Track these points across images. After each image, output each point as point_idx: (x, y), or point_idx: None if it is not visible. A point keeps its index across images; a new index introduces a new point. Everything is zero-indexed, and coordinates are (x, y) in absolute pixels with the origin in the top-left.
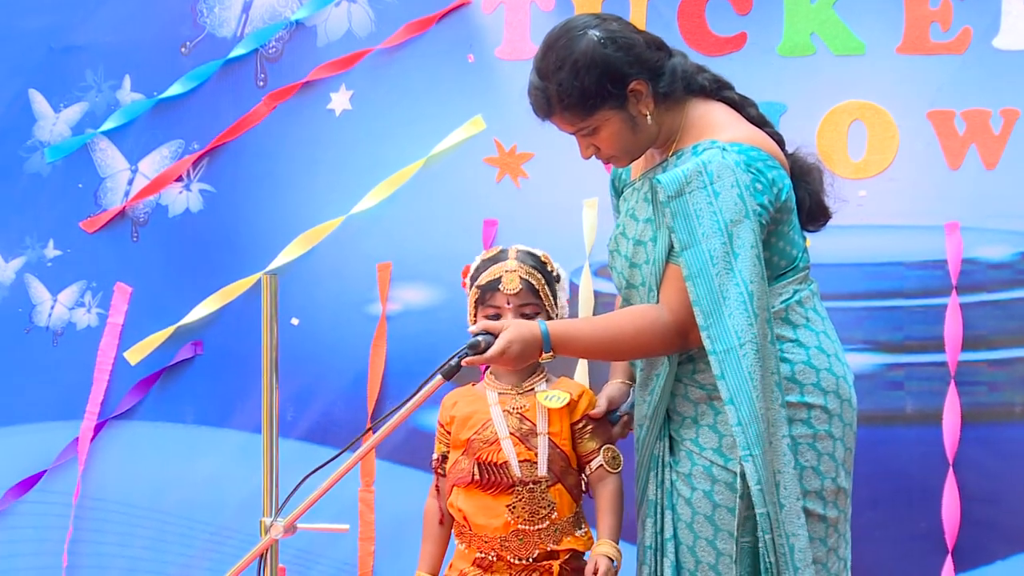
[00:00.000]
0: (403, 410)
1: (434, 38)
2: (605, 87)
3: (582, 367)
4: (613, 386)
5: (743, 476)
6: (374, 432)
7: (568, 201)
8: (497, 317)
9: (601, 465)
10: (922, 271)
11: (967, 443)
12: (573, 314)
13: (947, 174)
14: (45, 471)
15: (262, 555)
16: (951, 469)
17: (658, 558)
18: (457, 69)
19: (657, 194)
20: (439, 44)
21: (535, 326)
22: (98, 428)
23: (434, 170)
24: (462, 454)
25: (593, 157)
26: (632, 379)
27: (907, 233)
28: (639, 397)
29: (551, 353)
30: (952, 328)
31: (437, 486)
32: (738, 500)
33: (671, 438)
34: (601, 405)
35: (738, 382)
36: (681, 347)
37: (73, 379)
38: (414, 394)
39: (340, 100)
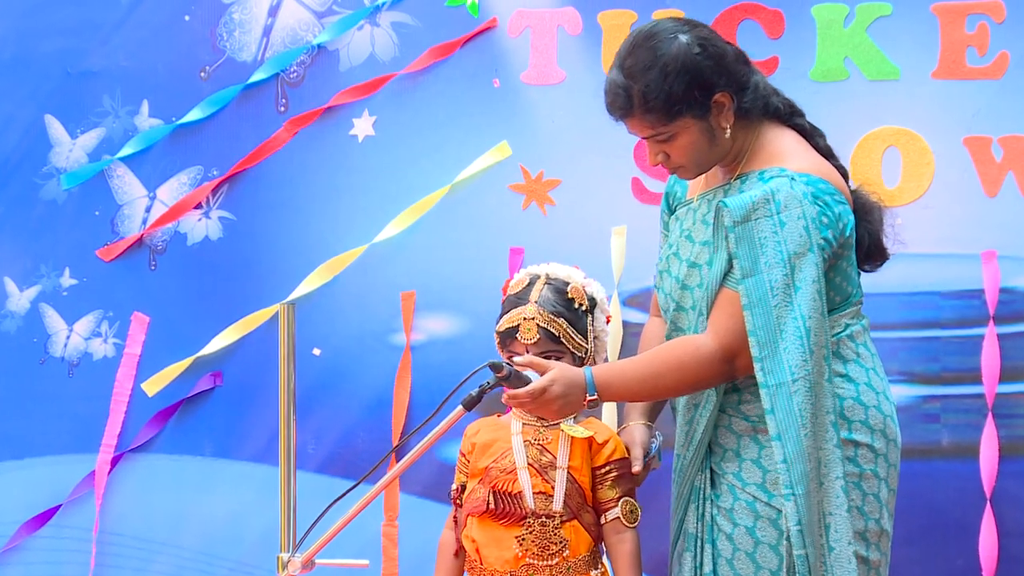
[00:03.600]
0: (430, 435)
1: (459, 62)
2: (692, 94)
3: (609, 408)
4: (637, 430)
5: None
6: (397, 458)
7: (596, 228)
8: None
9: (618, 518)
10: (958, 300)
11: (1005, 477)
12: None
13: (984, 201)
14: (60, 505)
15: None
16: (988, 504)
17: None
18: (482, 94)
19: (722, 218)
20: (464, 69)
21: (580, 371)
22: (115, 461)
23: (459, 197)
24: (479, 482)
25: (660, 165)
26: (652, 419)
27: (943, 262)
28: (681, 428)
29: (595, 397)
30: (989, 359)
31: (455, 516)
32: (784, 540)
33: (712, 471)
34: (637, 456)
35: (787, 418)
36: (727, 376)
37: (89, 411)
38: (434, 414)
39: (363, 126)
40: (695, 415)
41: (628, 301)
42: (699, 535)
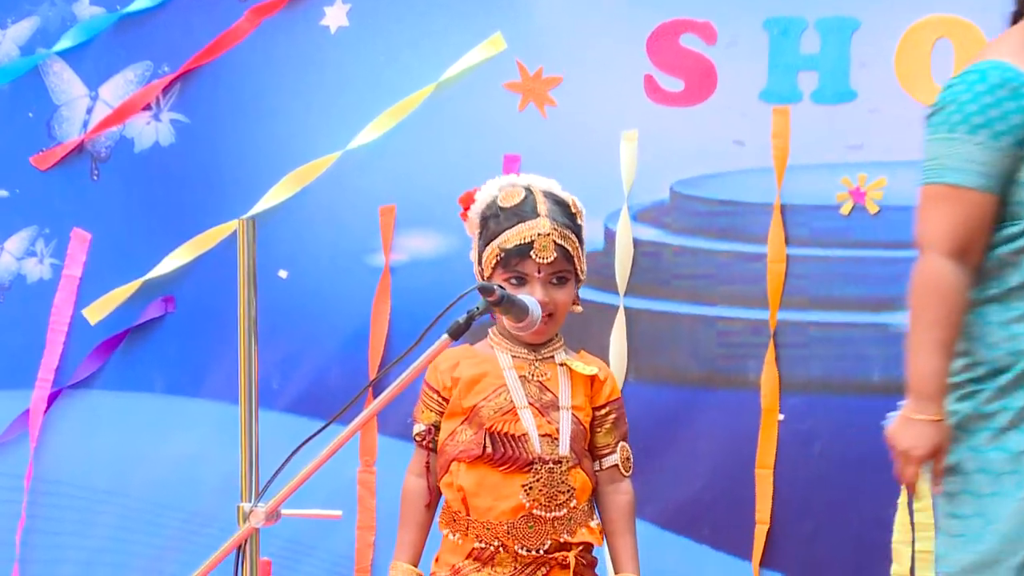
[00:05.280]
0: (412, 368)
1: None
2: None
3: (619, 330)
4: None
5: None
6: (375, 395)
7: (603, 133)
8: (522, 283)
9: (616, 465)
10: None
11: None
12: (609, 263)
13: None
14: None
15: (241, 546)
16: None
17: None
18: None
19: None
20: None
21: None
22: (52, 398)
23: (446, 97)
24: (463, 423)
25: None
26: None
27: None
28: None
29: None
30: None
31: (428, 463)
32: None
33: None
34: None
35: None
36: None
37: (23, 341)
38: (416, 344)
39: (336, 15)
40: None
41: (640, 216)
42: None
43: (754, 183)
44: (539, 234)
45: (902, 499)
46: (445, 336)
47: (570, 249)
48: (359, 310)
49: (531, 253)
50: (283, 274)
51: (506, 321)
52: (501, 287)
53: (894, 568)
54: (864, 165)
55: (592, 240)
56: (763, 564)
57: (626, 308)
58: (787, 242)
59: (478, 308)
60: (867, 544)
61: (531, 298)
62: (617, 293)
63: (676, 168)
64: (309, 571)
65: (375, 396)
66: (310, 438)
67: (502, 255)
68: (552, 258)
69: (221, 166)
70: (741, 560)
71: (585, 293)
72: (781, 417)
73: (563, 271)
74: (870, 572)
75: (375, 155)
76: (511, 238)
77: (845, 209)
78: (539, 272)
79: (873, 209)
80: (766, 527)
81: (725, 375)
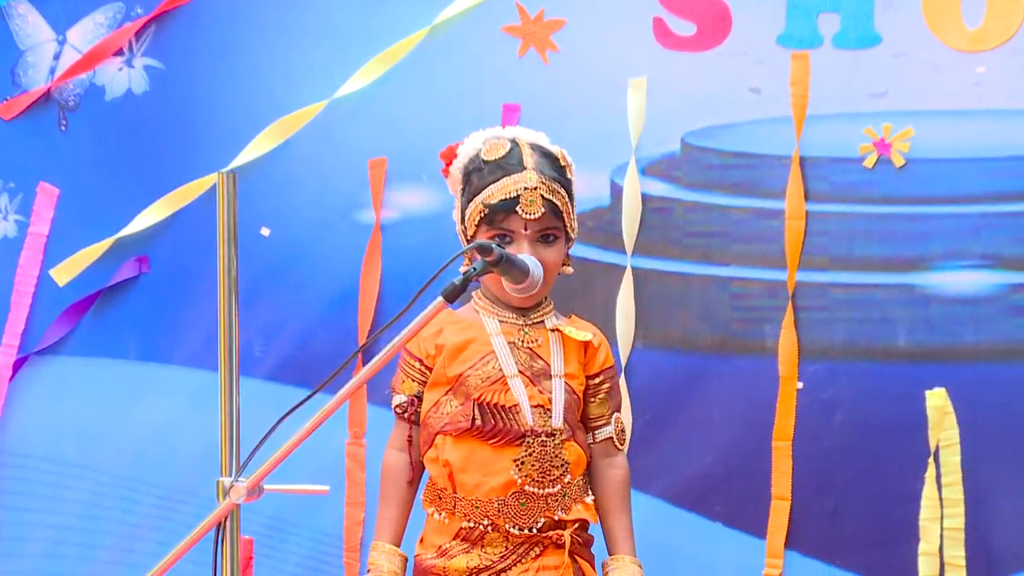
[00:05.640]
0: (404, 332)
1: None
2: None
3: (626, 292)
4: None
5: None
6: (364, 362)
7: (609, 81)
8: (507, 241)
9: (610, 438)
10: None
11: None
12: (616, 220)
13: None
14: None
15: (220, 524)
16: None
17: None
18: None
19: None
20: None
21: None
22: (17, 365)
23: (440, 42)
24: (448, 394)
25: None
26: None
27: None
28: None
29: None
30: None
31: (410, 436)
32: None
33: None
34: None
35: None
36: None
37: None
38: (408, 307)
39: None
40: None
41: (648, 170)
42: None
43: (771, 134)
44: (525, 188)
45: (930, 473)
46: (439, 299)
47: (559, 204)
48: (347, 270)
49: (517, 208)
50: (265, 232)
51: (505, 283)
52: (499, 246)
53: (922, 547)
54: (889, 114)
55: (597, 196)
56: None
57: (633, 268)
58: (806, 197)
59: (475, 268)
60: (892, 521)
61: (531, 257)
62: (624, 252)
63: (687, 118)
64: (294, 550)
65: (364, 363)
66: (295, 408)
67: (486, 211)
68: (539, 214)
69: (199, 116)
70: (755, 538)
71: (589, 252)
72: (800, 385)
73: (551, 228)
74: (895, 551)
75: (364, 104)
76: (495, 193)
77: (869, 162)
78: (526, 229)
79: (899, 162)
80: (786, 503)
81: (740, 340)
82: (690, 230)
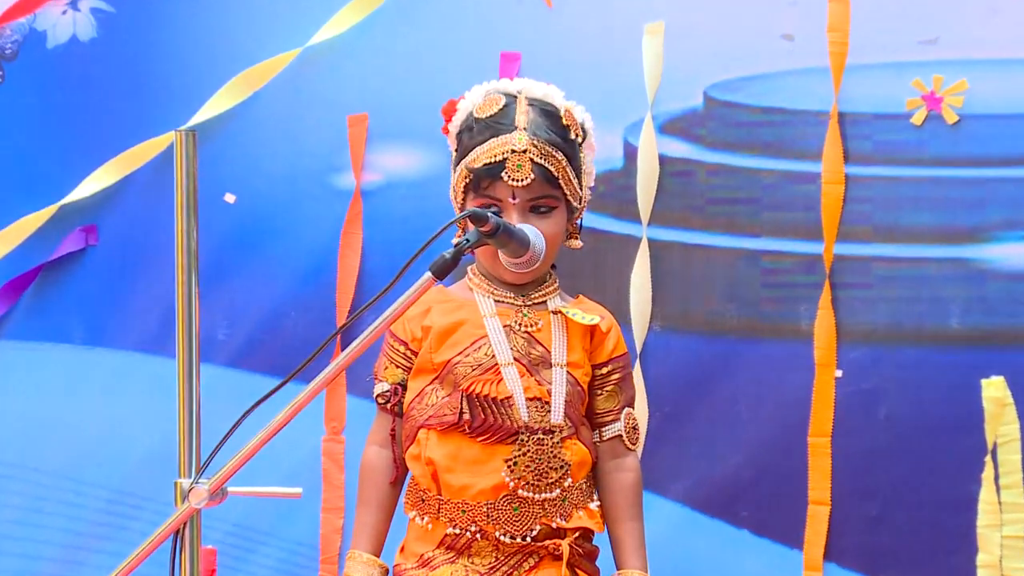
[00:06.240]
0: (388, 312)
1: None
2: None
3: (642, 267)
4: None
5: None
6: (343, 347)
7: (621, 26)
8: (494, 212)
9: (619, 436)
10: None
11: None
12: (630, 185)
13: None
14: None
15: (179, 531)
16: None
17: None
18: None
19: None
20: None
21: None
22: None
23: None
24: (433, 383)
25: None
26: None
27: None
28: None
29: None
30: None
31: (392, 431)
32: None
33: None
34: None
35: None
36: None
37: None
38: (393, 283)
39: None
40: None
41: (666, 127)
42: None
43: (806, 86)
44: (512, 151)
45: (987, 473)
46: (428, 275)
47: (553, 170)
48: (324, 242)
49: (503, 175)
50: (230, 199)
51: (502, 256)
52: (496, 214)
53: (981, 558)
54: (940, 64)
55: (609, 157)
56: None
57: (650, 240)
58: (846, 159)
59: (468, 240)
60: (945, 529)
61: (533, 228)
62: (639, 222)
63: (711, 68)
64: (264, 562)
65: (343, 348)
66: (263, 399)
67: (471, 177)
68: (528, 180)
69: (154, 66)
70: (789, 548)
71: (600, 222)
72: (839, 374)
73: (546, 197)
74: (948, 563)
75: (342, 53)
76: (480, 156)
77: (917, 118)
78: (514, 198)
79: (951, 118)
80: (824, 508)
81: (771, 322)
82: (714, 196)
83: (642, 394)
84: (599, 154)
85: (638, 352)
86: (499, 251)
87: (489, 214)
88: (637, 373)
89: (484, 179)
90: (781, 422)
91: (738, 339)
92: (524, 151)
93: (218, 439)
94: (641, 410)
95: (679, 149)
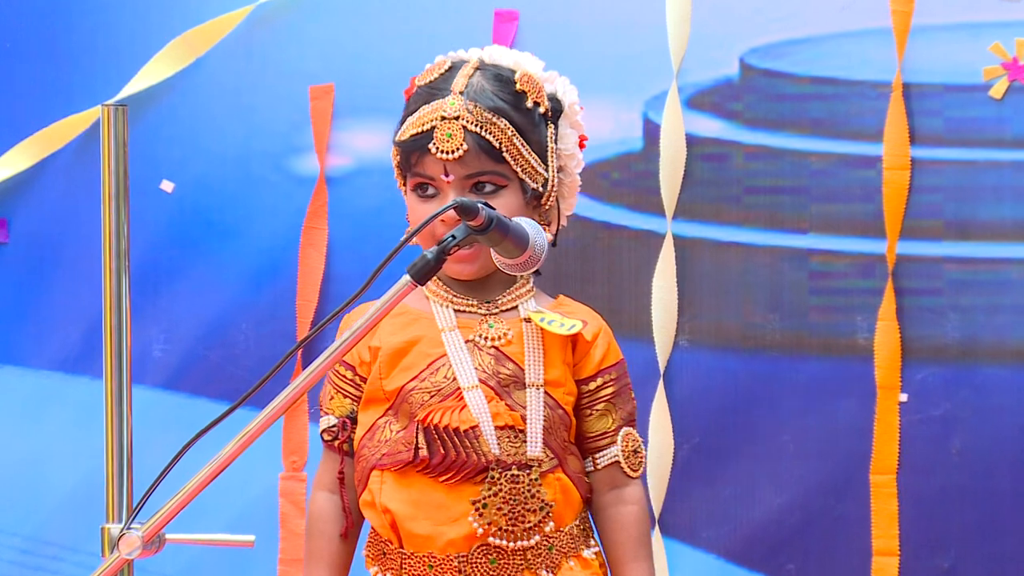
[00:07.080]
0: (360, 324)
1: None
2: None
3: (666, 269)
4: None
5: None
6: (304, 365)
7: None
8: (428, 193)
9: (616, 462)
10: None
11: None
12: (651, 171)
13: None
14: None
15: None
16: None
17: None
18: None
19: None
20: None
21: None
22: None
23: None
24: (386, 415)
25: None
26: None
27: None
28: None
29: None
30: None
31: (341, 473)
32: None
33: None
34: None
35: None
36: None
37: None
38: (364, 288)
39: None
40: None
41: (693, 101)
42: None
43: (863, 53)
44: (442, 117)
45: None
46: (406, 278)
47: (492, 140)
48: (282, 239)
49: (430, 145)
50: (168, 187)
51: (495, 257)
52: (488, 205)
53: None
54: None
55: (625, 137)
56: None
57: (676, 237)
58: (912, 140)
59: (455, 237)
60: None
61: (532, 222)
62: (663, 216)
63: (748, 31)
64: None
65: (304, 367)
66: (207, 428)
67: (400, 153)
68: (459, 152)
69: (76, 28)
70: None
71: (615, 215)
72: (904, 398)
73: (487, 173)
74: None
75: (302, 13)
76: (408, 127)
77: (997, 91)
78: (446, 175)
79: None
80: (893, 560)
81: (822, 336)
82: (752, 184)
83: (667, 423)
84: (613, 135)
85: (661, 372)
86: (492, 251)
87: (480, 205)
88: (660, 397)
89: (412, 152)
90: (835, 457)
91: (782, 356)
92: (456, 117)
93: (154, 476)
94: (666, 442)
95: (710, 127)
